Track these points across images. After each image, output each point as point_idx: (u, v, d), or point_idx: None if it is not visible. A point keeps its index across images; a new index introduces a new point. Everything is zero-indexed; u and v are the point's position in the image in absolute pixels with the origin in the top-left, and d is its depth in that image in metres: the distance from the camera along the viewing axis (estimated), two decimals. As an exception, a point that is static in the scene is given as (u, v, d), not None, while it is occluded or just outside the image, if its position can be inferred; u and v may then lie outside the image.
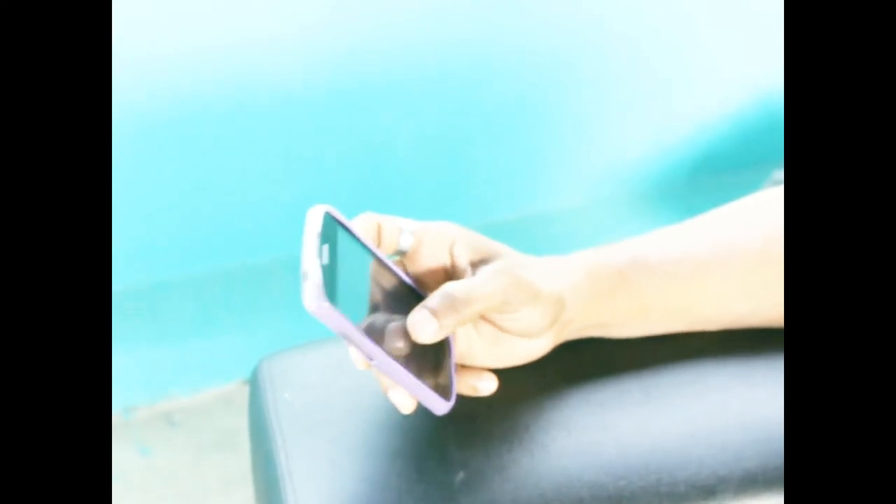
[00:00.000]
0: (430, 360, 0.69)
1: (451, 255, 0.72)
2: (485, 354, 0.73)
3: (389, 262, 0.72)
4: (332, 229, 0.69)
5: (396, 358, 0.67)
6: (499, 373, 0.75)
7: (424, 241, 0.72)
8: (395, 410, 0.72)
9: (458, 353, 0.72)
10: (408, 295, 0.71)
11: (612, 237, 1.79)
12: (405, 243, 0.72)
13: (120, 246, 1.68)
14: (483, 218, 1.81)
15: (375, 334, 0.67)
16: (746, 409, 0.73)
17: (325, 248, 0.67)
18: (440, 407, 0.68)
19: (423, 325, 0.67)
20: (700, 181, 1.88)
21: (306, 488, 0.71)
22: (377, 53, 1.68)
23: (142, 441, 1.50)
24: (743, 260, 0.75)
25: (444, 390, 0.69)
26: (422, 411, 0.71)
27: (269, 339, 1.61)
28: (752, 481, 0.70)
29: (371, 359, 0.67)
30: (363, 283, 0.69)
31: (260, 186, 1.72)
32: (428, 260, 0.73)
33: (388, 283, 0.71)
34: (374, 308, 0.69)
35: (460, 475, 0.69)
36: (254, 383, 0.80)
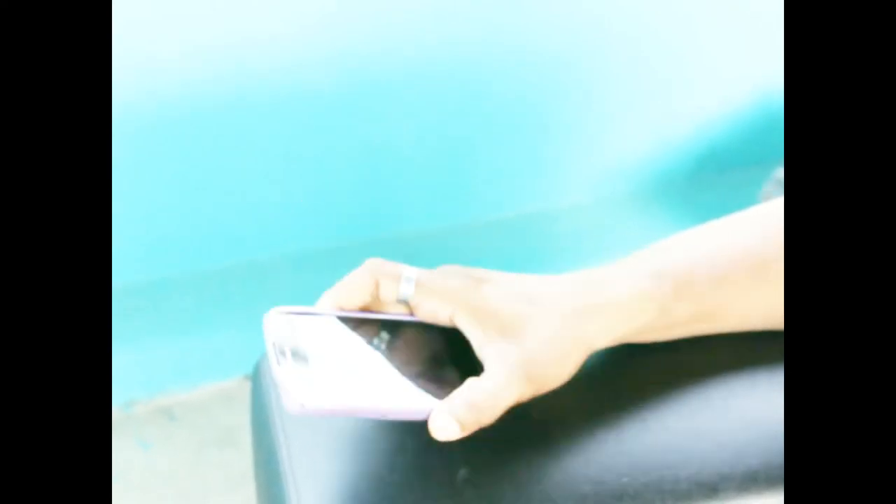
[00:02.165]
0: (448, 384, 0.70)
1: (453, 324, 0.71)
2: None
3: (379, 315, 0.71)
4: (291, 325, 0.68)
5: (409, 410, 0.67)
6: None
7: (424, 303, 0.70)
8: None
9: None
10: (411, 331, 0.71)
11: (614, 235, 1.80)
12: (405, 291, 0.70)
13: (122, 243, 1.68)
14: (485, 216, 1.81)
15: (386, 394, 0.67)
16: (749, 406, 0.73)
17: (288, 349, 0.67)
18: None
19: (446, 430, 0.66)
20: (702, 179, 1.88)
21: (308, 484, 0.71)
22: (378, 53, 1.69)
23: (142, 436, 1.50)
24: (767, 267, 0.74)
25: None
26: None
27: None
28: (753, 479, 0.70)
29: (384, 417, 0.67)
30: (350, 353, 0.68)
31: (260, 185, 1.72)
32: (429, 318, 0.71)
33: (385, 334, 0.70)
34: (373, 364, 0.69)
35: (462, 472, 0.69)
36: (256, 379, 0.80)
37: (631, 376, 0.75)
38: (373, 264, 0.71)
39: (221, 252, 1.74)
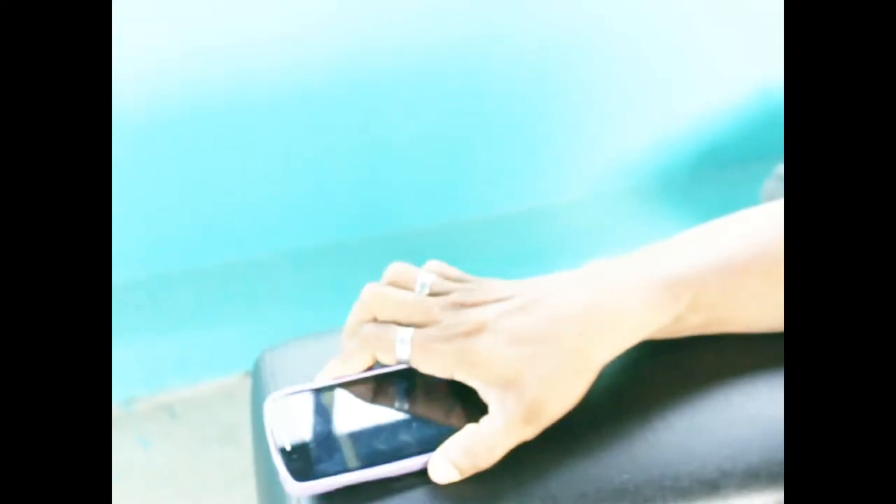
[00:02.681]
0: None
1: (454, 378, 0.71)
2: None
3: (377, 371, 0.72)
4: (290, 407, 0.70)
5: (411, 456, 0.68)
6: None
7: (421, 366, 0.71)
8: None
9: None
10: (412, 380, 0.72)
11: (614, 231, 1.80)
12: (402, 353, 0.71)
13: (123, 239, 1.68)
14: (485, 213, 1.81)
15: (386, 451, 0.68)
16: (749, 402, 0.73)
17: (287, 433, 0.69)
18: None
19: (444, 475, 0.68)
20: (702, 175, 1.88)
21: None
22: (378, 50, 1.68)
23: (142, 433, 1.50)
24: (778, 271, 0.74)
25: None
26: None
27: (270, 332, 1.62)
28: (755, 476, 0.69)
29: (390, 478, 0.68)
30: (351, 421, 0.70)
31: (260, 182, 1.72)
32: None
33: (385, 391, 0.71)
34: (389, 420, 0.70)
35: (463, 469, 0.69)
36: (256, 375, 0.79)
37: (632, 373, 0.75)
38: (366, 333, 0.72)
39: (221, 249, 1.74)
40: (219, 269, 1.74)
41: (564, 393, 0.69)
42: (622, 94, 1.81)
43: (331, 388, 0.72)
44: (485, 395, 0.69)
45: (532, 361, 0.69)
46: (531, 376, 0.68)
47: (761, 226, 0.75)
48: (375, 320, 0.73)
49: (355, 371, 0.72)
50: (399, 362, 0.71)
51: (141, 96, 1.62)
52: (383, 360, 0.72)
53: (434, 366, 0.70)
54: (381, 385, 0.71)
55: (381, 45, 1.68)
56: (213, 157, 1.69)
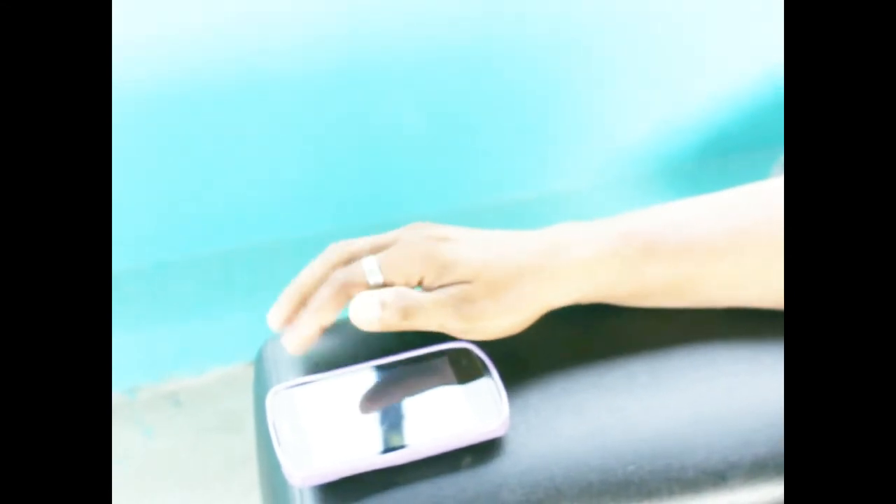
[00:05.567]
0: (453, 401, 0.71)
1: (422, 284, 0.74)
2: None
3: (375, 362, 0.73)
4: (292, 399, 0.71)
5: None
6: (506, 354, 0.75)
7: (395, 282, 0.73)
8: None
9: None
10: (406, 369, 0.73)
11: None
12: (373, 279, 0.73)
13: (124, 227, 1.68)
14: (488, 200, 1.81)
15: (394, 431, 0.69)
16: (756, 393, 0.72)
17: (289, 425, 0.70)
18: (493, 430, 0.69)
19: (367, 309, 0.71)
20: (708, 163, 1.87)
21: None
22: (383, 33, 1.68)
23: (145, 421, 1.50)
24: (756, 247, 0.74)
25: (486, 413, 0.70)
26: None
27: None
28: (761, 466, 0.69)
29: (391, 468, 0.69)
30: (351, 412, 0.70)
31: (263, 169, 1.72)
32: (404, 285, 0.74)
33: (382, 380, 0.72)
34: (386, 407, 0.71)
35: (467, 459, 0.69)
36: (258, 364, 0.79)
37: (635, 364, 0.74)
38: (335, 276, 0.73)
39: (224, 237, 1.74)
40: (221, 257, 1.74)
41: (505, 310, 0.72)
42: (626, 81, 1.81)
43: (332, 379, 0.72)
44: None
45: (483, 271, 0.72)
46: (478, 279, 0.72)
47: (734, 198, 0.77)
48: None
49: (330, 320, 0.73)
50: (370, 287, 0.73)
51: (140, 82, 1.62)
52: (352, 283, 0.73)
53: (403, 272, 0.72)
54: (382, 376, 0.72)
55: (387, 26, 1.68)
56: (213, 144, 1.69)
